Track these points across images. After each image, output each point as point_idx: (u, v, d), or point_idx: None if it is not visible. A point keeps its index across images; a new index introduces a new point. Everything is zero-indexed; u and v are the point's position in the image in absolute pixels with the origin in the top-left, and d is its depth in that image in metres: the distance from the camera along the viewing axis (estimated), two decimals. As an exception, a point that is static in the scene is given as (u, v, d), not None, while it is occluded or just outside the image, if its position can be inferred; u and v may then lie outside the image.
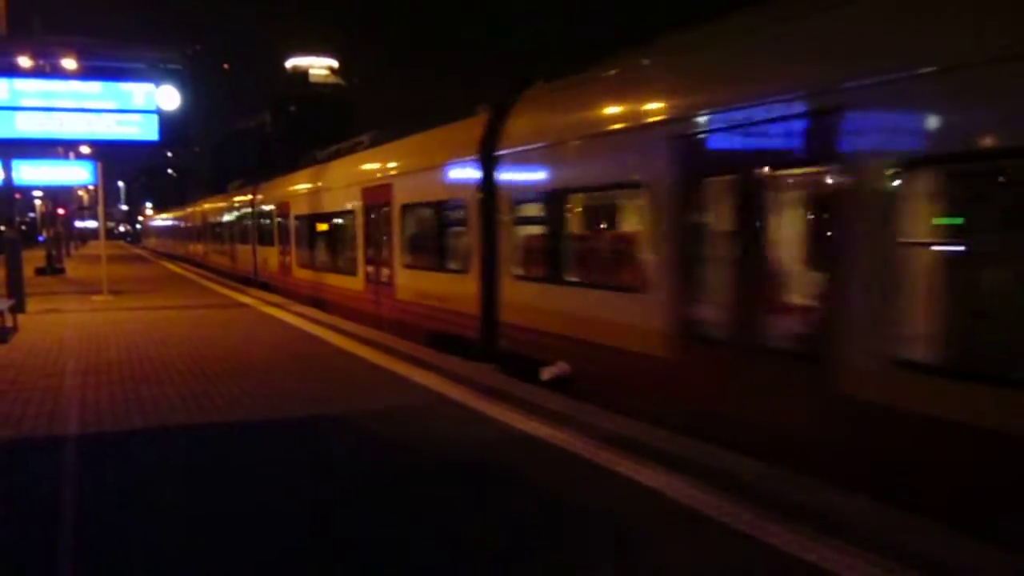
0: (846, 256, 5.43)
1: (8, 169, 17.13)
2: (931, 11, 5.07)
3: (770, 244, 6.23)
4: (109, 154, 35.80)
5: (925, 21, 5.08)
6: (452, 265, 11.70)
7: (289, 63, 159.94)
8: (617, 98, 8.25)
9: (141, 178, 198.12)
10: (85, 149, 32.42)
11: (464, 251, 11.22)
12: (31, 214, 64.35)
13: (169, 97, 14.43)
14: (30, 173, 23.22)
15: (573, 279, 8.83)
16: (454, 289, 11.48)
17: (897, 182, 5.06)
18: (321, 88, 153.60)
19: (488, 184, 10.59)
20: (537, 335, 9.40)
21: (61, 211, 47.25)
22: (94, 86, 14.19)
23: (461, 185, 11.30)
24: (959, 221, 5.14)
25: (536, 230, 9.65)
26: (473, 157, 10.86)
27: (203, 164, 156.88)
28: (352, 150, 18.46)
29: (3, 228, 17.19)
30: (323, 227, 18.72)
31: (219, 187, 45.37)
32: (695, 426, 6.42)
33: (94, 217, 61.10)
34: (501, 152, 10.33)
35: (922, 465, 4.92)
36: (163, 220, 68.46)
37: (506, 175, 10.25)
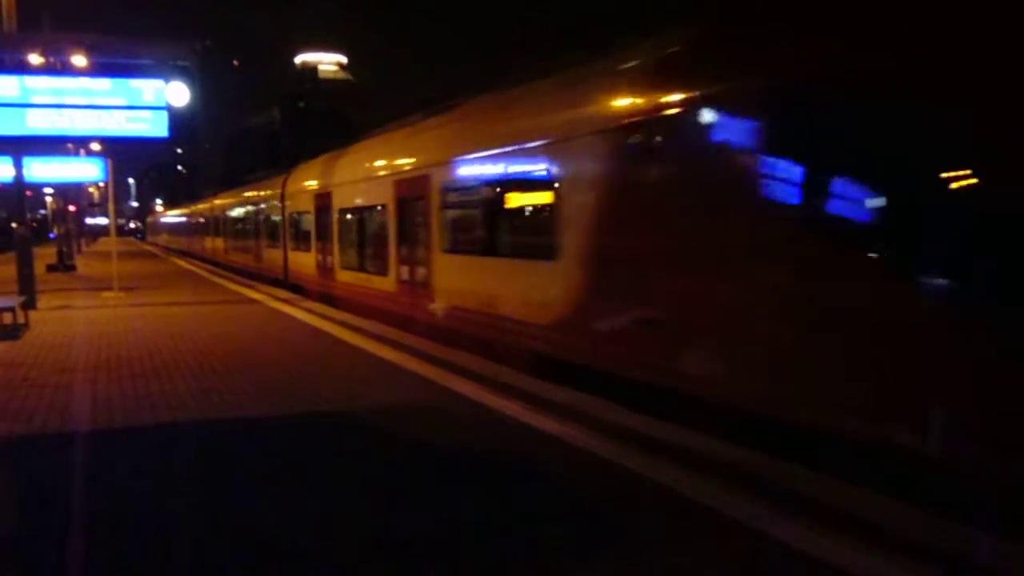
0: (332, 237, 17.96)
1: (19, 166, 17.18)
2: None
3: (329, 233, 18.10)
4: (119, 151, 36.16)
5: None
6: (277, 244, 23.51)
7: (298, 59, 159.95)
8: (303, 178, 20.83)
9: (151, 175, 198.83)
10: (95, 146, 32.53)
11: (278, 238, 23.32)
12: (42, 211, 64.68)
13: (178, 93, 14.47)
14: (41, 170, 23.28)
15: (300, 248, 20.46)
16: (278, 255, 23.11)
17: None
18: (330, 83, 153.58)
19: (283, 207, 22.52)
20: (296, 275, 20.91)
21: (72, 208, 47.43)
22: (104, 83, 14.23)
23: (275, 206, 23.67)
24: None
25: (294, 228, 21.32)
26: (278, 194, 23.18)
27: (213, 160, 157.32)
28: (258, 180, 31.27)
29: (14, 225, 17.26)
30: (241, 226, 31.10)
31: (230, 183, 47.58)
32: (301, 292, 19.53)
33: (105, 214, 61.41)
34: (286, 192, 22.27)
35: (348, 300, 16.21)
36: (158, 218, 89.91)
37: (286, 203, 22.16)
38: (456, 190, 11.21)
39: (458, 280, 11.15)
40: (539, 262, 8.88)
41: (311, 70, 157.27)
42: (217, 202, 38.33)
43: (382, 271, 14.04)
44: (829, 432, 5.35)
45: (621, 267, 7.53)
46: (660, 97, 7.00)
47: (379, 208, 14.16)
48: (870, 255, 5.20)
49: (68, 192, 44.22)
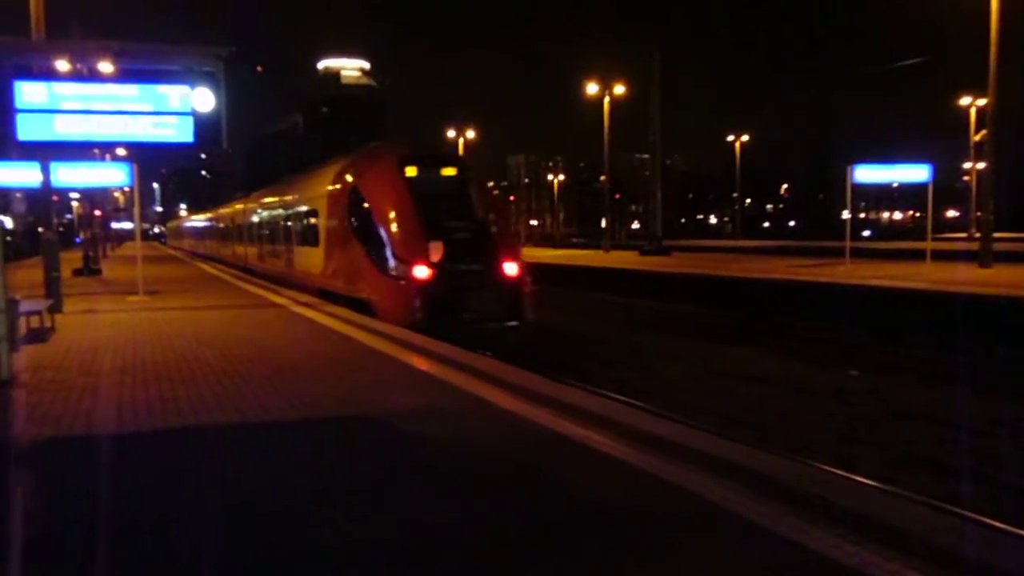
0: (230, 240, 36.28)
1: (46, 171, 17.40)
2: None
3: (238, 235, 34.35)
4: (145, 156, 37.12)
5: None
6: (241, 243, 33.45)
7: (321, 65, 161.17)
8: (253, 200, 32.97)
9: (175, 180, 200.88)
10: (121, 151, 32.87)
11: (242, 239, 33.32)
12: (68, 216, 65.34)
13: (204, 99, 14.53)
14: (67, 175, 23.44)
15: (250, 245, 31.39)
16: (242, 250, 33.13)
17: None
18: (353, 89, 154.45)
19: (244, 219, 32.77)
20: (248, 263, 31.14)
21: (98, 213, 47.98)
22: (131, 89, 14.29)
23: (240, 219, 34.16)
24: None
25: (248, 232, 31.79)
26: (241, 210, 34.30)
27: (237, 166, 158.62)
28: (237, 199, 42.63)
29: (41, 229, 17.47)
30: (224, 232, 41.53)
31: (252, 188, 48.81)
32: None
33: (130, 218, 62.08)
34: (245, 209, 33.43)
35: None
36: (180, 224, 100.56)
37: (245, 217, 32.75)
38: (298, 214, 21.86)
39: (301, 260, 21.39)
40: (316, 248, 19.11)
41: (334, 76, 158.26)
42: (214, 212, 52.71)
43: (280, 257, 24.73)
44: (350, 298, 16.33)
45: (330, 249, 17.95)
46: (329, 186, 18.01)
47: (279, 223, 25.02)
48: (359, 244, 16.04)
49: (94, 197, 44.77)
